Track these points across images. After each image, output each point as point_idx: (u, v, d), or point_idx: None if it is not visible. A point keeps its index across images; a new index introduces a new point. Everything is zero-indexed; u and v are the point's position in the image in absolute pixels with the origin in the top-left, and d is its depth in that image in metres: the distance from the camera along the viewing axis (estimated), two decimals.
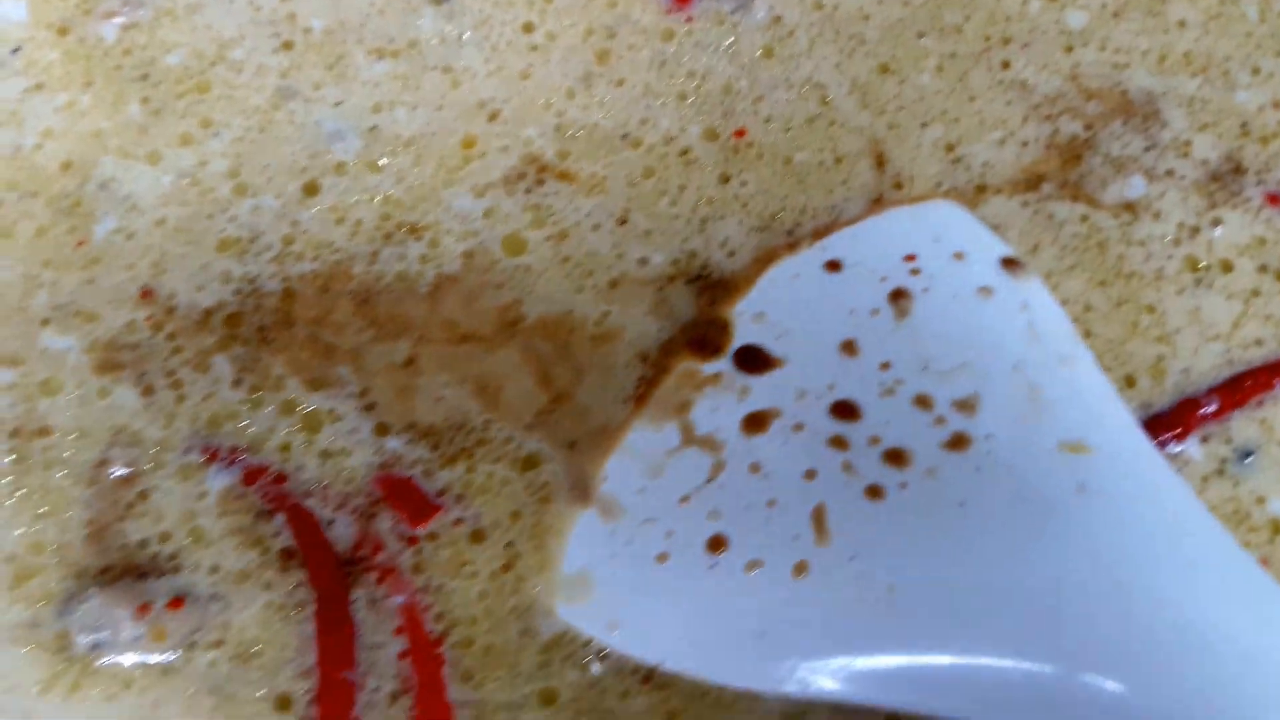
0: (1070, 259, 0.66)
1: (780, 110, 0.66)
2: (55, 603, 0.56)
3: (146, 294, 0.60)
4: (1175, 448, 0.64)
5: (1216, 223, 0.67)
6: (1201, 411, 0.64)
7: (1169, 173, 0.67)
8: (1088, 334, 0.65)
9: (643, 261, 0.64)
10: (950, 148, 0.67)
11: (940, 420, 0.59)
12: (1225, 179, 0.68)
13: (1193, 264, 0.66)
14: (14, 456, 0.57)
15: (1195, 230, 0.67)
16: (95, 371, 0.59)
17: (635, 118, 0.66)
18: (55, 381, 0.59)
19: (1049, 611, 0.56)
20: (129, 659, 0.56)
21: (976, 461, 0.58)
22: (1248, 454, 0.64)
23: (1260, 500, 0.64)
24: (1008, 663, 0.56)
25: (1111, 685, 0.56)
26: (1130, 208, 0.67)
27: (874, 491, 0.58)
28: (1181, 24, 0.70)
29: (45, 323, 0.59)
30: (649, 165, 0.65)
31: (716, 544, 0.58)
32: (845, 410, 0.60)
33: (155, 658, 0.56)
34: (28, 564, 0.56)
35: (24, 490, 0.57)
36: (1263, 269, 0.67)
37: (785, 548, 0.58)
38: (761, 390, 0.61)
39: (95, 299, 0.60)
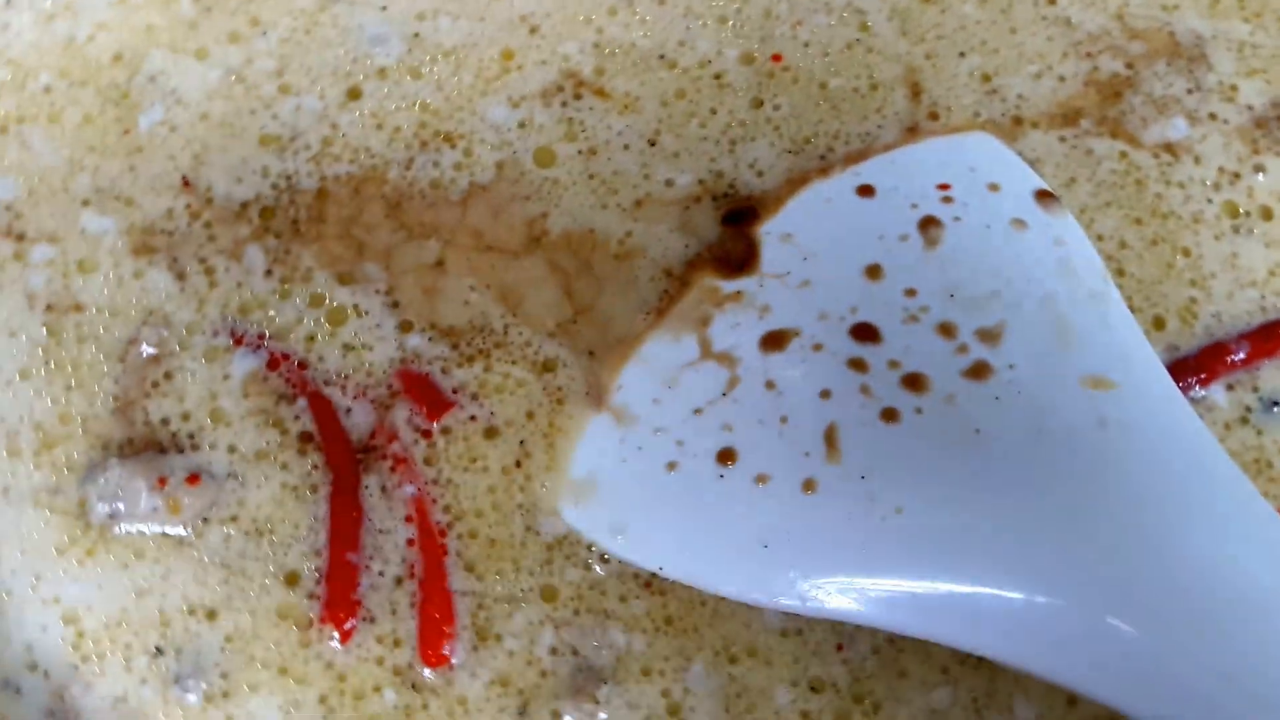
0: (1106, 195, 0.64)
1: (818, 36, 0.66)
2: (77, 471, 0.57)
3: (186, 184, 0.61)
4: (1199, 392, 0.63)
5: (1259, 169, 0.65)
6: (1230, 358, 0.63)
7: (1212, 116, 0.66)
8: (1120, 272, 0.64)
9: (669, 183, 0.63)
10: (987, 78, 0.66)
11: (963, 348, 0.59)
12: (1270, 126, 0.66)
13: (1232, 209, 0.65)
14: (47, 330, 0.59)
15: (1236, 176, 0.65)
16: (131, 254, 0.60)
17: (674, 39, 0.66)
18: (91, 261, 0.60)
19: (1059, 544, 0.55)
20: (144, 529, 0.57)
21: (996, 390, 0.57)
22: (1274, 404, 0.63)
23: None
24: (1012, 594, 0.55)
25: (1118, 623, 0.55)
26: (1170, 149, 0.65)
27: (889, 414, 0.58)
28: None
29: (86, 204, 0.61)
30: (682, 87, 0.65)
31: (726, 456, 0.58)
32: (866, 333, 0.59)
33: (170, 529, 0.57)
34: (54, 433, 0.58)
35: (55, 363, 0.58)
36: None
37: (795, 463, 0.57)
38: (782, 309, 0.61)
39: (136, 185, 0.61)
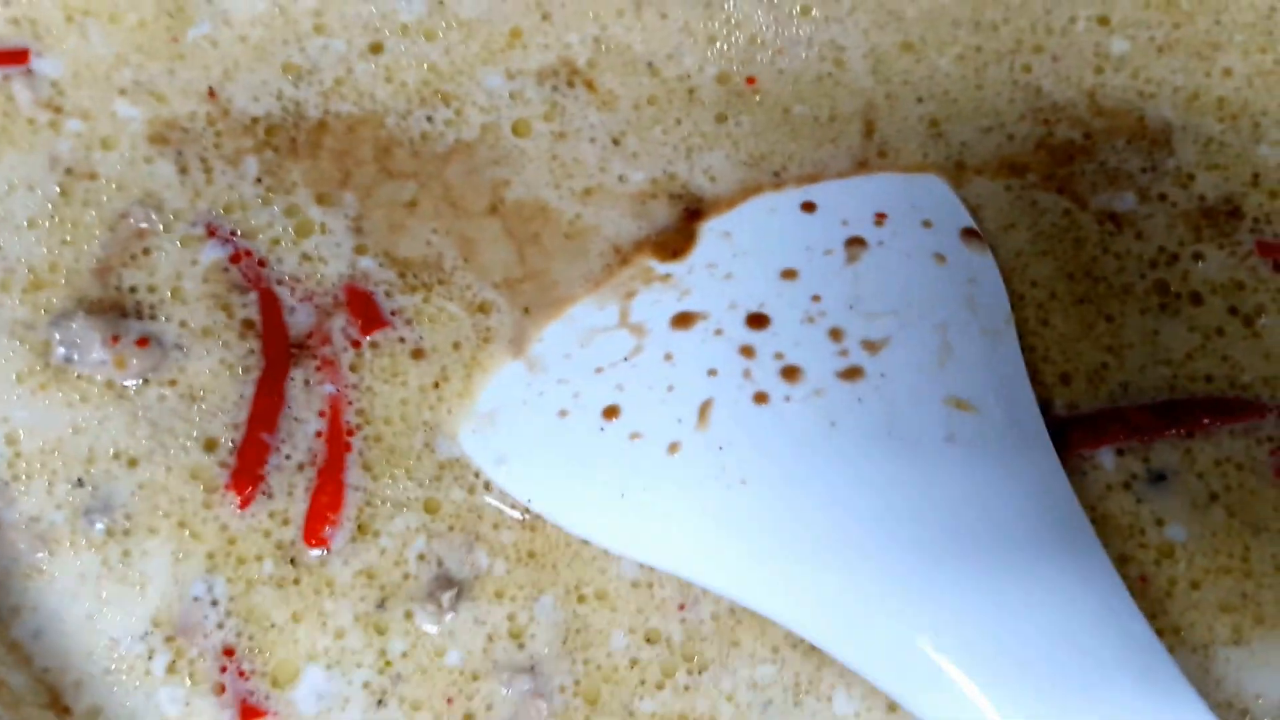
0: (1044, 244, 0.66)
1: (794, 66, 0.68)
2: (51, 315, 0.63)
3: (212, 94, 0.67)
4: (1087, 452, 0.62)
5: (1198, 257, 0.65)
6: (1126, 426, 0.62)
7: (1162, 196, 0.66)
8: (1045, 321, 0.64)
9: (622, 178, 0.67)
10: (935, 123, 0.67)
11: (844, 352, 0.60)
12: (1218, 218, 0.65)
13: (1163, 289, 0.64)
14: (61, 189, 0.65)
15: (1175, 258, 0.65)
16: (148, 141, 0.66)
17: (665, 50, 0.69)
18: (113, 140, 0.66)
19: (884, 545, 0.56)
20: (93, 376, 0.62)
21: (861, 393, 0.59)
22: (1161, 477, 0.62)
23: (1160, 522, 0.61)
24: (832, 584, 0.56)
25: (926, 645, 0.55)
26: (1115, 219, 0.66)
27: (760, 397, 0.59)
28: (1227, 72, 0.68)
29: (122, 93, 0.66)
30: (656, 94, 0.68)
31: (611, 412, 0.61)
32: (758, 320, 0.61)
33: (114, 380, 0.62)
34: (42, 277, 0.63)
35: (59, 219, 0.64)
36: (1233, 311, 0.64)
37: (667, 427, 0.60)
38: (700, 294, 0.63)
39: (170, 86, 0.67)
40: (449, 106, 0.68)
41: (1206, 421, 0.62)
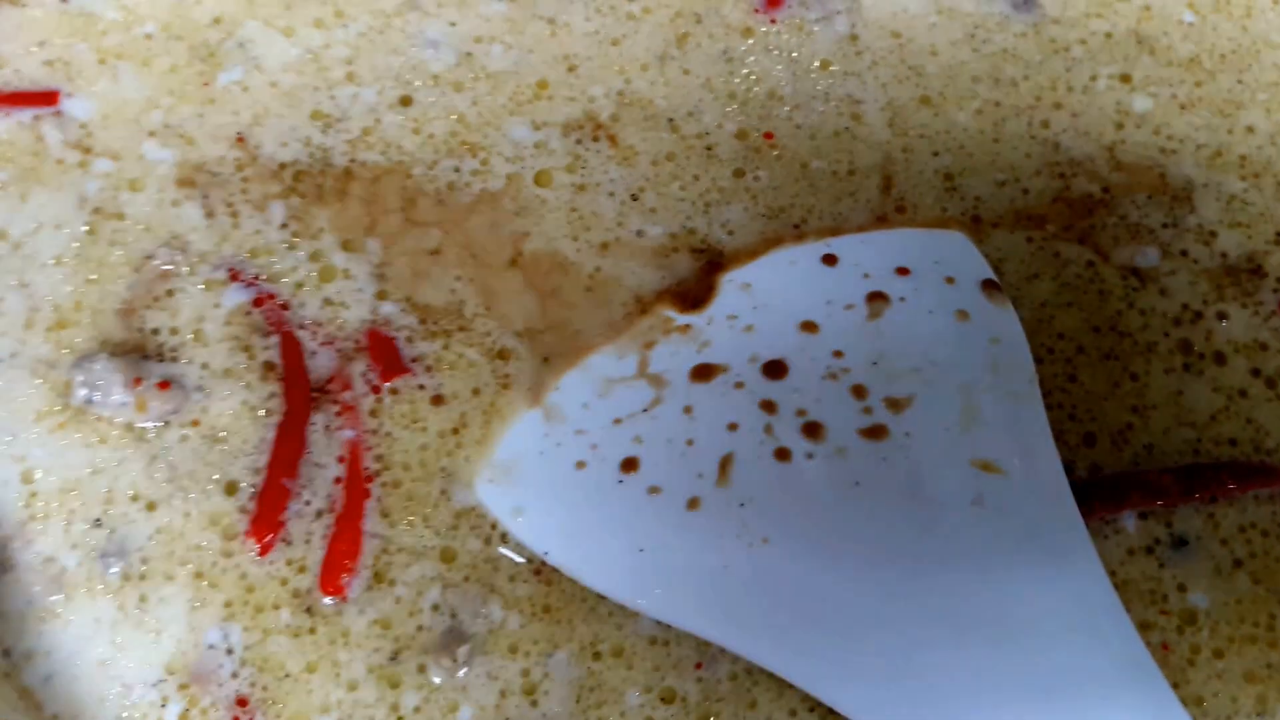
0: (1069, 296, 0.59)
1: (812, 120, 0.62)
2: (74, 354, 0.57)
3: (240, 139, 0.61)
4: (1109, 515, 0.55)
5: (1222, 316, 0.58)
6: (1150, 490, 0.55)
7: (1184, 253, 0.59)
8: (1073, 377, 0.57)
9: (640, 233, 0.60)
10: (949, 177, 0.61)
11: (868, 410, 0.53)
12: (1241, 277, 0.59)
13: (1186, 348, 0.58)
14: (88, 228, 0.59)
15: (1199, 316, 0.58)
16: (176, 184, 0.60)
17: (686, 107, 0.63)
18: (141, 182, 0.60)
19: (908, 611, 0.50)
20: (113, 418, 0.56)
21: (885, 452, 0.52)
22: (1183, 542, 0.55)
23: (1182, 588, 0.54)
24: (856, 651, 0.50)
25: (945, 694, 0.49)
26: (1138, 274, 0.59)
27: (782, 454, 0.53)
28: (1250, 130, 0.62)
29: (152, 135, 0.61)
30: (674, 151, 0.62)
31: (629, 465, 0.54)
32: (774, 369, 0.55)
33: (134, 422, 0.55)
34: (67, 317, 0.57)
35: (86, 258, 0.58)
36: (1256, 373, 0.57)
37: (687, 482, 0.53)
38: (720, 346, 0.57)
39: (199, 130, 0.61)
40: (475, 157, 0.61)
41: (1231, 487, 0.55)
